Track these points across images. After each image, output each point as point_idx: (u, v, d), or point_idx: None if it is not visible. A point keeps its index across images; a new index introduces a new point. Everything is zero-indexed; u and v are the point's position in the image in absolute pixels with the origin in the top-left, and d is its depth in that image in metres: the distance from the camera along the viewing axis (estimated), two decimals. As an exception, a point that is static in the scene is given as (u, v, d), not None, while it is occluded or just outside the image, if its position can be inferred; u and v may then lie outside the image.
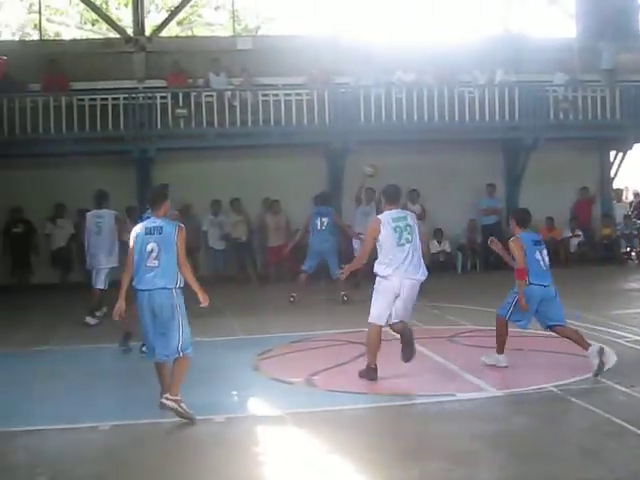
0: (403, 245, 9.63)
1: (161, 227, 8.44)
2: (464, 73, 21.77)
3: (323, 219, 16.14)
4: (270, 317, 14.47)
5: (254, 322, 13.13)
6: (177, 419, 8.26)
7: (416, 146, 20.82)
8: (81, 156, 19.38)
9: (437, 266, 21.30)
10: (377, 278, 9.79)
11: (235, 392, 9.41)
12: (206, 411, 8.50)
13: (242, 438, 7.78)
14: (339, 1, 22.19)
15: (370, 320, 9.80)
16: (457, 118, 20.69)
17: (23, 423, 8.37)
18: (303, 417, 8.35)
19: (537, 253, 10.07)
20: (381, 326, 9.82)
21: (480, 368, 10.14)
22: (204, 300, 8.58)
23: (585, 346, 9.68)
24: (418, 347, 11.45)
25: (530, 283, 9.87)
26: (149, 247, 8.36)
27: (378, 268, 9.74)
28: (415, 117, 20.51)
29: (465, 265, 21.47)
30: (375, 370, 9.81)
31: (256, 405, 9.02)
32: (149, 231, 8.45)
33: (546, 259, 10.13)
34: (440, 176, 21.12)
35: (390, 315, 9.72)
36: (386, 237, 9.63)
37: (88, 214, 14.70)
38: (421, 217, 21.05)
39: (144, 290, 8.38)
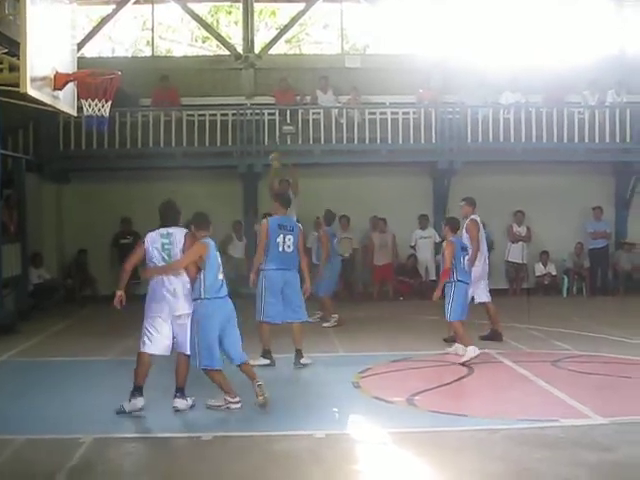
0: None
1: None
2: (574, 94, 21.46)
3: None
4: (371, 335, 14.41)
5: (355, 339, 13.09)
6: (273, 432, 8.32)
7: (523, 167, 20.55)
8: (189, 170, 19.70)
9: (542, 289, 21.05)
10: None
11: (336, 409, 9.38)
12: (307, 426, 8.55)
13: (341, 456, 7.72)
14: (448, 20, 22.07)
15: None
16: (566, 139, 20.36)
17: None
18: (404, 437, 8.23)
19: (462, 257, 12.33)
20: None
21: (585, 394, 9.93)
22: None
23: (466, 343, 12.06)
24: (521, 370, 11.34)
25: (459, 280, 12.15)
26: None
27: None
28: (523, 138, 20.28)
29: (571, 289, 21.07)
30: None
31: (356, 423, 8.96)
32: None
33: (466, 262, 12.43)
34: (547, 198, 20.73)
35: None
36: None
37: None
38: (526, 239, 20.86)
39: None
